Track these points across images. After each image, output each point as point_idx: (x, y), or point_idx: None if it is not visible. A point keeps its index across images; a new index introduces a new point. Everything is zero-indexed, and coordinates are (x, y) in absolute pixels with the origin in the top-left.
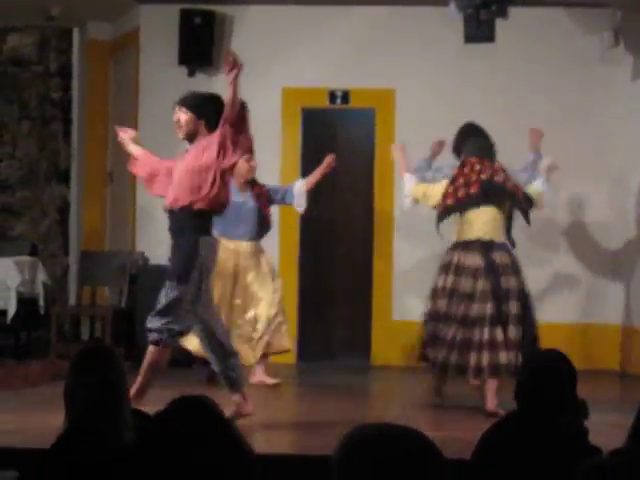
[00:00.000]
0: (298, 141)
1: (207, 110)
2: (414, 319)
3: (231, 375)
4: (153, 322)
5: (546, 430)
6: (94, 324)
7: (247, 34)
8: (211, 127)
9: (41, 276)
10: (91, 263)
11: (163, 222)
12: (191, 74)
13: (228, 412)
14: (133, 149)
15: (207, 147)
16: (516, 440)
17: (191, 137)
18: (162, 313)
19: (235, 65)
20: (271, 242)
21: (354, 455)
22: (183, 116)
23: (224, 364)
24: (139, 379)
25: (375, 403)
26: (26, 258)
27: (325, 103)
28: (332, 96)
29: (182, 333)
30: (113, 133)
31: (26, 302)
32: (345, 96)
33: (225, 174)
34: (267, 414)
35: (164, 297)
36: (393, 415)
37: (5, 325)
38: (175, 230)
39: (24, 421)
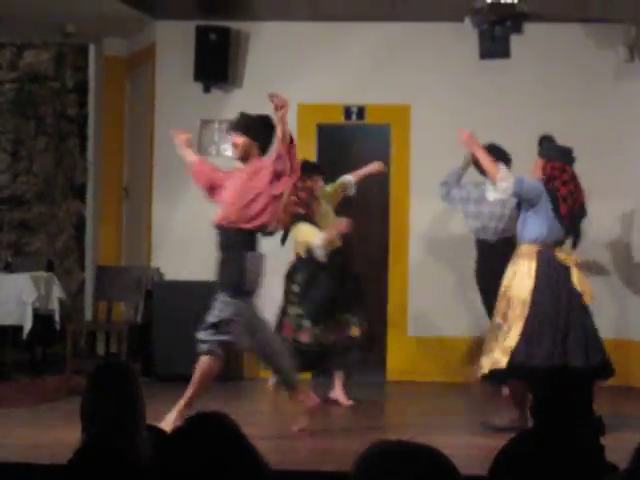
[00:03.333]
0: (313, 157)
1: (259, 133)
2: (429, 335)
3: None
4: (204, 334)
5: (563, 446)
6: (110, 340)
7: (262, 50)
8: (264, 149)
9: (57, 292)
10: (107, 278)
11: (178, 237)
12: (206, 90)
13: (245, 428)
14: (187, 154)
15: (259, 171)
16: (532, 456)
17: (245, 159)
18: (216, 327)
19: (283, 104)
20: (285, 258)
21: (371, 473)
22: (239, 139)
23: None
24: (190, 390)
25: (391, 419)
26: (42, 274)
27: (340, 119)
28: (347, 112)
29: (232, 345)
30: (129, 148)
31: (42, 318)
32: (360, 112)
33: (275, 200)
34: (283, 430)
35: (219, 311)
36: (410, 432)
37: (21, 341)
38: (224, 246)
39: (40, 437)
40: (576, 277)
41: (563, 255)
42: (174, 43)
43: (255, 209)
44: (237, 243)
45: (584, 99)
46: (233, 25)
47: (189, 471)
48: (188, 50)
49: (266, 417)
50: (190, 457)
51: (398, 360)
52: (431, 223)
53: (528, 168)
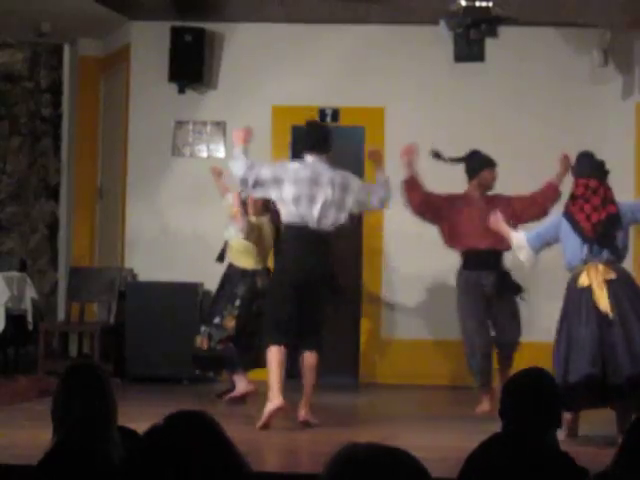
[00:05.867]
0: (288, 159)
1: None
2: (402, 337)
3: None
4: None
5: (532, 449)
6: (82, 340)
7: (237, 52)
8: None
9: (30, 292)
10: (80, 279)
11: (152, 238)
12: (181, 91)
13: (227, 428)
14: None
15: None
16: (502, 460)
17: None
18: None
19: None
20: None
21: (342, 475)
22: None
23: None
24: None
25: (363, 422)
26: (15, 274)
27: None
28: (322, 114)
29: None
30: (103, 149)
31: (14, 318)
32: (335, 114)
33: None
34: (259, 432)
35: None
36: (381, 435)
37: None
38: None
39: (11, 437)
40: (597, 295)
41: (583, 277)
42: (149, 44)
43: None
44: None
45: (558, 102)
46: (208, 26)
47: (165, 470)
48: (163, 51)
49: (246, 418)
50: (168, 456)
51: (371, 362)
52: (405, 226)
53: (501, 171)
